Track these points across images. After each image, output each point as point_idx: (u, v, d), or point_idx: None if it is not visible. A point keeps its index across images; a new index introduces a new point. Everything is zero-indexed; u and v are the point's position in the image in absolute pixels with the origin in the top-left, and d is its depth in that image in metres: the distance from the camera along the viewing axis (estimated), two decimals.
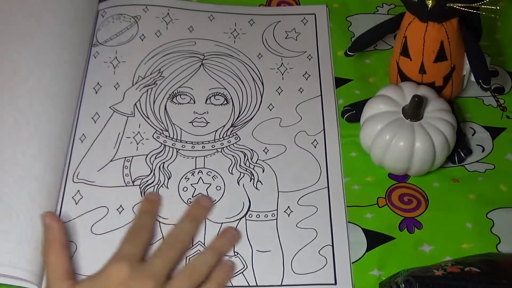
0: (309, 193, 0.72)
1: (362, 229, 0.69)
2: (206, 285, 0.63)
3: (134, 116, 0.77)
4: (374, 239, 0.68)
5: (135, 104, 0.78)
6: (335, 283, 0.66)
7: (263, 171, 0.73)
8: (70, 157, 0.74)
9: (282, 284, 0.66)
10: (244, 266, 0.67)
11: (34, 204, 0.68)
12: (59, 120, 0.74)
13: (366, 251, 0.68)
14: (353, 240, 0.68)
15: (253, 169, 0.73)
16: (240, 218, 0.70)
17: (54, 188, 0.71)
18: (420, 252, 0.67)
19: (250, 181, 0.73)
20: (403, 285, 0.60)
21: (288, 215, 0.70)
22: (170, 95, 0.79)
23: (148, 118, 0.77)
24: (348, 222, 0.69)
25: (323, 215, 0.70)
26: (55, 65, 0.77)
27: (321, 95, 0.79)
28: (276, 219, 0.70)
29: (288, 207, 0.71)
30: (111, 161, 0.74)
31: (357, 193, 0.72)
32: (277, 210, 0.71)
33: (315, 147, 0.75)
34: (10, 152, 0.70)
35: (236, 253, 0.67)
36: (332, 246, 0.68)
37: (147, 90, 0.79)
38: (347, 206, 0.70)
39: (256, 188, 0.72)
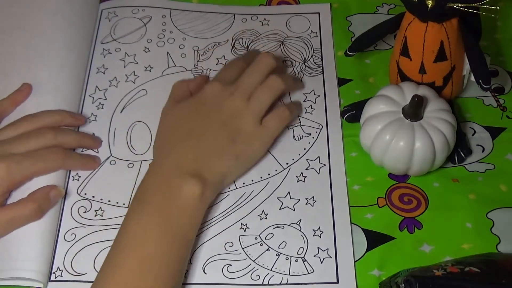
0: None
1: (362, 229, 0.69)
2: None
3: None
4: (374, 239, 0.68)
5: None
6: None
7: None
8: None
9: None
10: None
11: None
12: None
13: (366, 251, 0.68)
14: (353, 240, 0.68)
15: None
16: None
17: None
18: (420, 252, 0.67)
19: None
20: (403, 285, 0.60)
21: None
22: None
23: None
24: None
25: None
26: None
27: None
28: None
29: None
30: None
31: (357, 193, 0.72)
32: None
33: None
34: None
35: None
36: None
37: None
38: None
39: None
